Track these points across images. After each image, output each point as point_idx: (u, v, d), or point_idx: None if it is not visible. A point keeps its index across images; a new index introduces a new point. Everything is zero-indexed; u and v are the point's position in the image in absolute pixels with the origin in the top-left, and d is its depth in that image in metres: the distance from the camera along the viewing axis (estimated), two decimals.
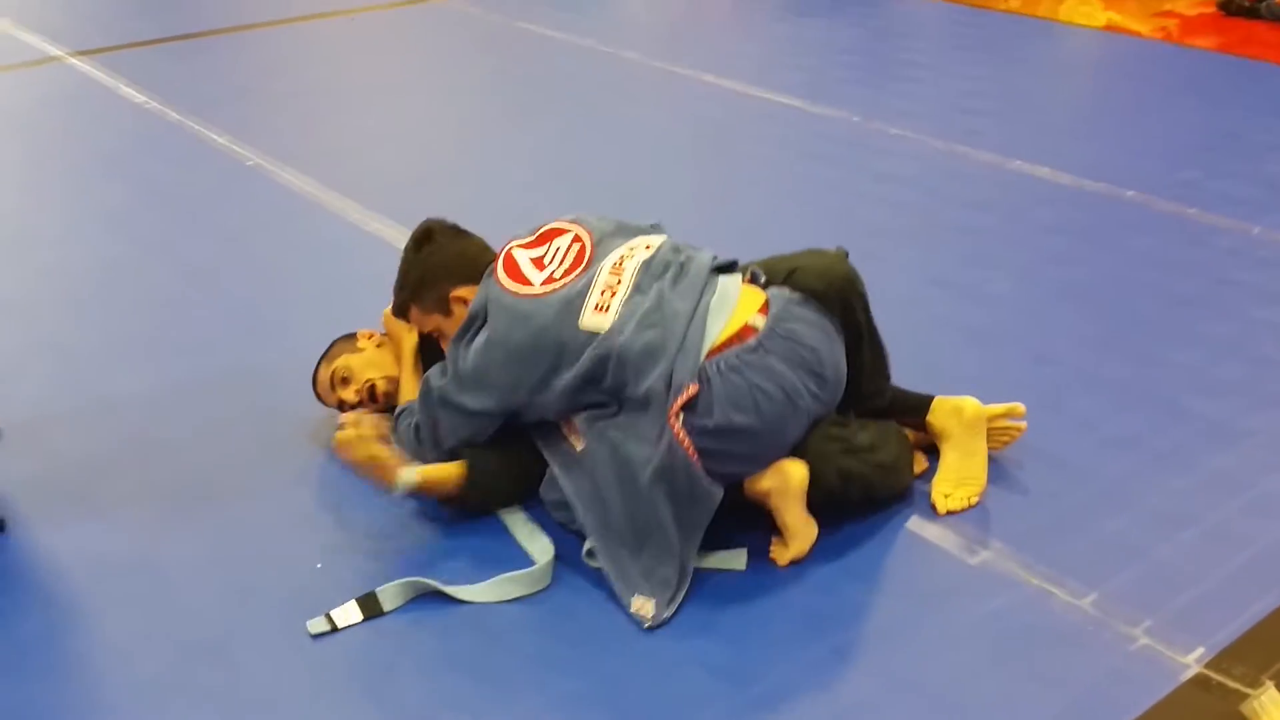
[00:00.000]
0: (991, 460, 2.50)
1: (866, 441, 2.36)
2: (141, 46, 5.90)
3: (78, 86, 5.37)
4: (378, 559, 2.33)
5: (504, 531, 2.39)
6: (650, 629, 2.13)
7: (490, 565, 2.29)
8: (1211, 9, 6.17)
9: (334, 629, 2.16)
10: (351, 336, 2.76)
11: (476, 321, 2.37)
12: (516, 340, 2.30)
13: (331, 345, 2.75)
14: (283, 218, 3.97)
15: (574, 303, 2.30)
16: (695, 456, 2.16)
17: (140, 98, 5.13)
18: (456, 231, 2.57)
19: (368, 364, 2.67)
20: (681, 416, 2.17)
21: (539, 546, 2.32)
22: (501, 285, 2.36)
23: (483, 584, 2.23)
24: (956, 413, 2.46)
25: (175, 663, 2.11)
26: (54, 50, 5.83)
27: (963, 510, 2.40)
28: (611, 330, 2.25)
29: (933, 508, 2.41)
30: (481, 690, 2.03)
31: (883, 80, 5.35)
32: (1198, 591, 2.20)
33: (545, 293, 2.32)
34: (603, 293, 2.29)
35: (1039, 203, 3.93)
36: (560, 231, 2.45)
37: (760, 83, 5.19)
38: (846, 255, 2.49)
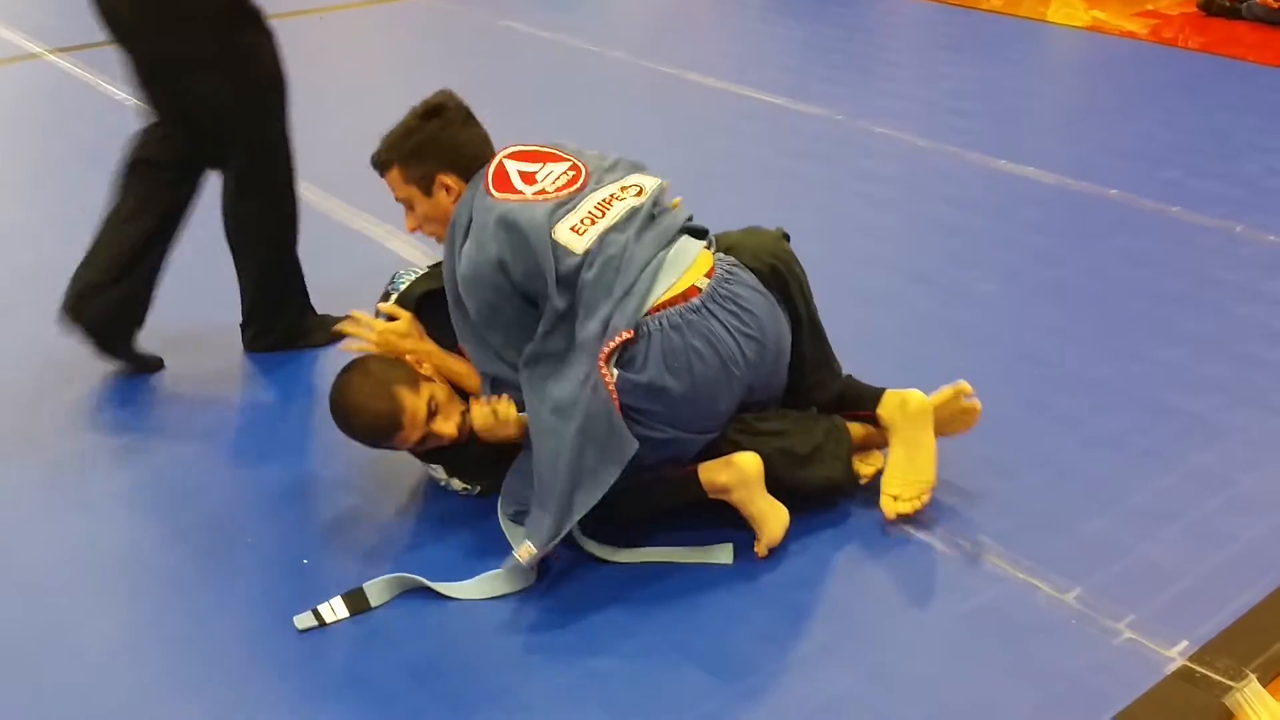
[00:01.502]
0: (977, 457, 2.51)
1: (774, 428, 2.34)
2: None
3: (57, 83, 5.35)
4: (365, 555, 2.33)
5: (491, 529, 2.38)
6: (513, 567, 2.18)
7: (478, 562, 2.29)
8: (1193, 9, 6.20)
9: (321, 624, 2.15)
10: (395, 362, 2.39)
11: (460, 230, 2.33)
12: (499, 245, 2.25)
13: (373, 369, 2.35)
14: None
15: (555, 213, 2.27)
16: (617, 401, 2.15)
17: (120, 95, 5.09)
18: (466, 117, 2.46)
19: (450, 395, 2.41)
20: (614, 367, 2.17)
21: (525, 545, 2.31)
22: (489, 191, 2.32)
23: (469, 581, 2.23)
24: (901, 405, 2.39)
25: (161, 658, 2.10)
26: (33, 47, 5.80)
27: (913, 513, 2.36)
28: (583, 259, 2.22)
29: (882, 512, 2.37)
30: (470, 686, 2.02)
31: (867, 79, 5.37)
32: (1181, 586, 2.22)
33: (533, 199, 2.30)
34: (582, 220, 2.27)
35: (1024, 202, 3.95)
36: (557, 157, 2.41)
37: (744, 81, 5.20)
38: (786, 236, 2.49)
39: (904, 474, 2.38)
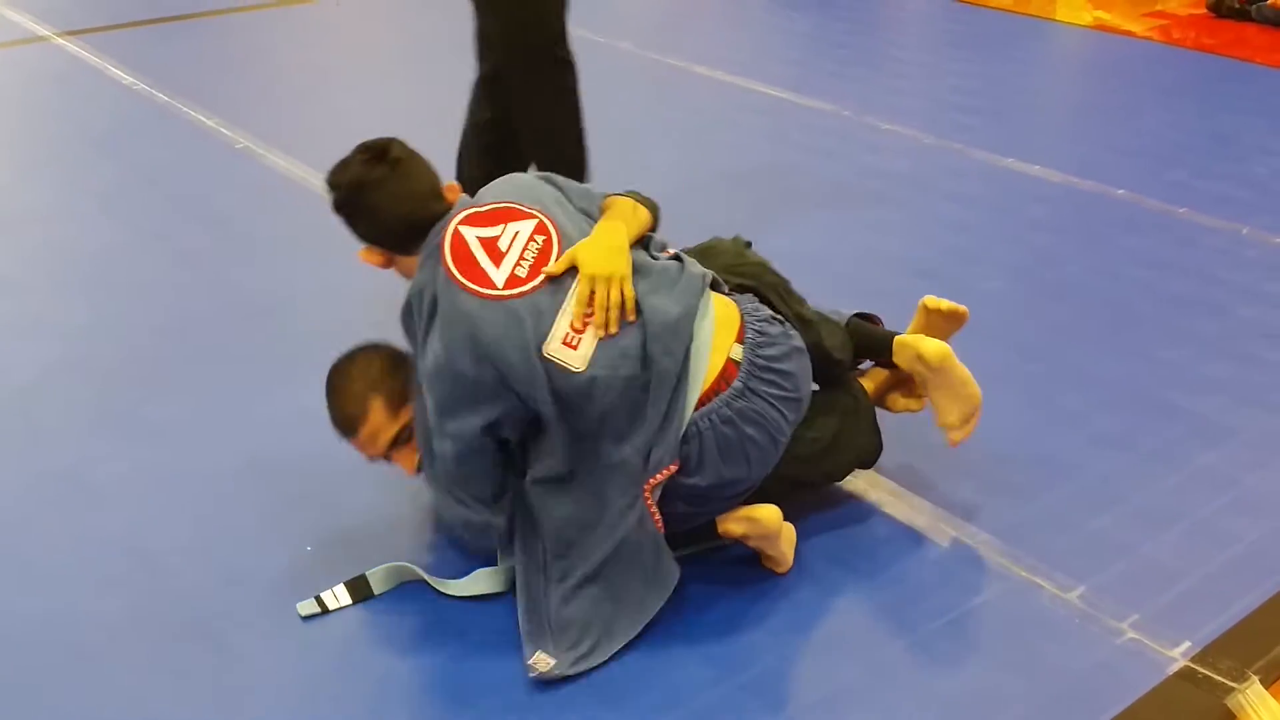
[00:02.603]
0: (981, 454, 2.51)
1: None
2: (130, 27, 5.86)
3: (65, 67, 5.33)
4: (368, 543, 2.32)
5: None
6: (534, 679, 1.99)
7: (486, 556, 2.28)
8: (1202, 10, 6.19)
9: (324, 611, 2.15)
10: (403, 367, 2.22)
11: (423, 316, 2.06)
12: (473, 362, 2.00)
13: (374, 366, 2.20)
14: (272, 201, 3.95)
15: (542, 321, 2.01)
16: (663, 531, 2.06)
17: (128, 79, 5.10)
18: (377, 181, 2.13)
19: None
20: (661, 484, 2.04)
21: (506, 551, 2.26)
22: (455, 279, 2.03)
23: (464, 579, 2.21)
24: (919, 360, 2.33)
25: (166, 643, 2.10)
26: (41, 30, 5.79)
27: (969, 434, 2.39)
28: (589, 380, 2.01)
29: (947, 441, 2.39)
30: (472, 675, 2.02)
31: (873, 75, 5.36)
32: (1184, 587, 2.21)
33: (511, 295, 2.02)
34: (573, 323, 2.02)
35: (1029, 200, 3.94)
36: (520, 214, 2.11)
37: (752, 74, 5.18)
38: (748, 244, 2.42)
39: (952, 406, 2.36)
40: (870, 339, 2.45)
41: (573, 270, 2.06)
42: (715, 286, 2.22)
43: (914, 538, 2.35)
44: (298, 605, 2.16)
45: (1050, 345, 3.04)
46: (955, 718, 1.95)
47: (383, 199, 2.13)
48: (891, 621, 2.15)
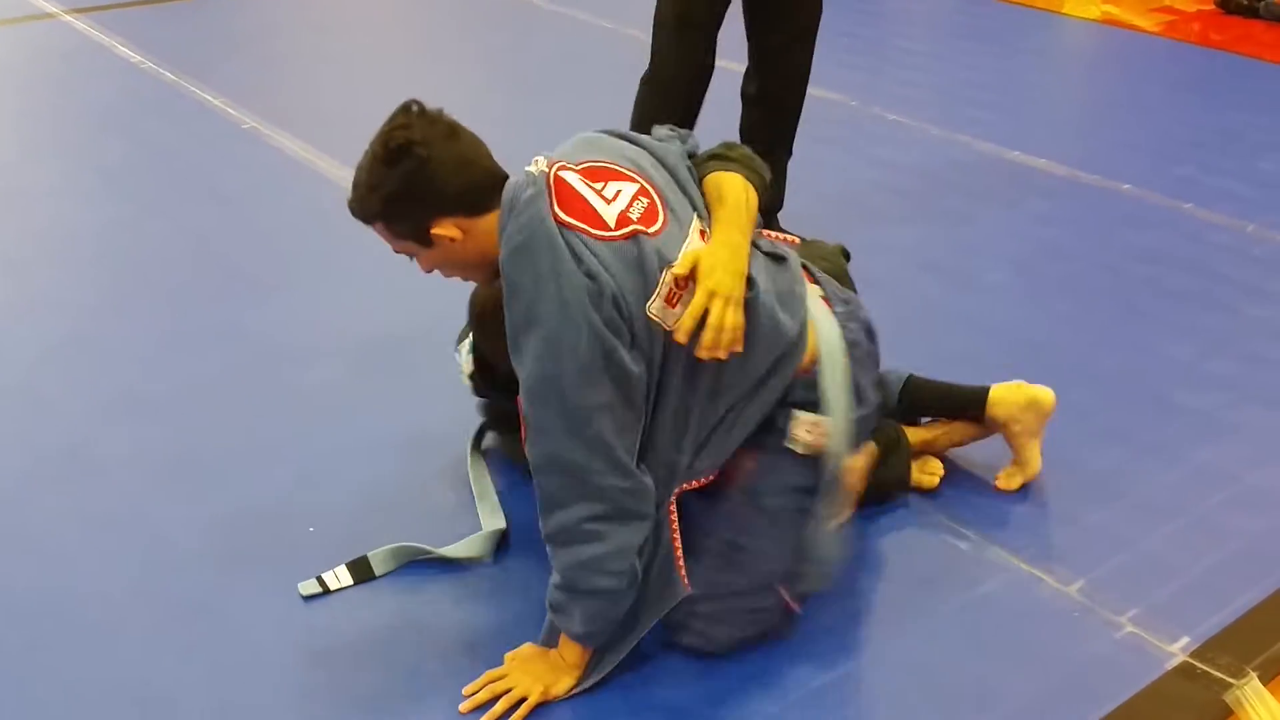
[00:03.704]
0: (983, 447, 2.51)
1: None
2: (137, 6, 5.86)
3: (73, 44, 5.33)
4: (370, 523, 2.33)
5: (509, 511, 2.36)
6: None
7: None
8: (1210, 6, 6.18)
9: (325, 591, 2.16)
10: None
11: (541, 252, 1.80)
12: (597, 310, 1.77)
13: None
14: (278, 182, 3.95)
15: (651, 266, 1.81)
16: (679, 551, 1.96)
17: (136, 57, 5.10)
18: (444, 135, 1.88)
19: None
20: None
21: (492, 520, 2.29)
22: (561, 220, 1.80)
23: (462, 541, 2.24)
24: (1034, 405, 2.35)
25: (167, 620, 2.11)
26: (50, 7, 5.78)
27: None
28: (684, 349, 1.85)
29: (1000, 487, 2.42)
30: (473, 656, 2.03)
31: (881, 65, 5.35)
32: (1184, 582, 2.22)
33: (625, 234, 1.81)
34: (676, 281, 1.83)
35: (1034, 193, 3.94)
36: (621, 175, 1.92)
37: None
38: (846, 254, 2.41)
39: (1038, 453, 2.39)
40: (958, 394, 2.43)
41: (668, 222, 1.88)
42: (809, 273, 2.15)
43: (916, 530, 2.35)
44: (299, 585, 2.16)
45: (1053, 338, 3.04)
46: (954, 708, 1.95)
47: (460, 150, 1.89)
48: (893, 611, 2.16)
